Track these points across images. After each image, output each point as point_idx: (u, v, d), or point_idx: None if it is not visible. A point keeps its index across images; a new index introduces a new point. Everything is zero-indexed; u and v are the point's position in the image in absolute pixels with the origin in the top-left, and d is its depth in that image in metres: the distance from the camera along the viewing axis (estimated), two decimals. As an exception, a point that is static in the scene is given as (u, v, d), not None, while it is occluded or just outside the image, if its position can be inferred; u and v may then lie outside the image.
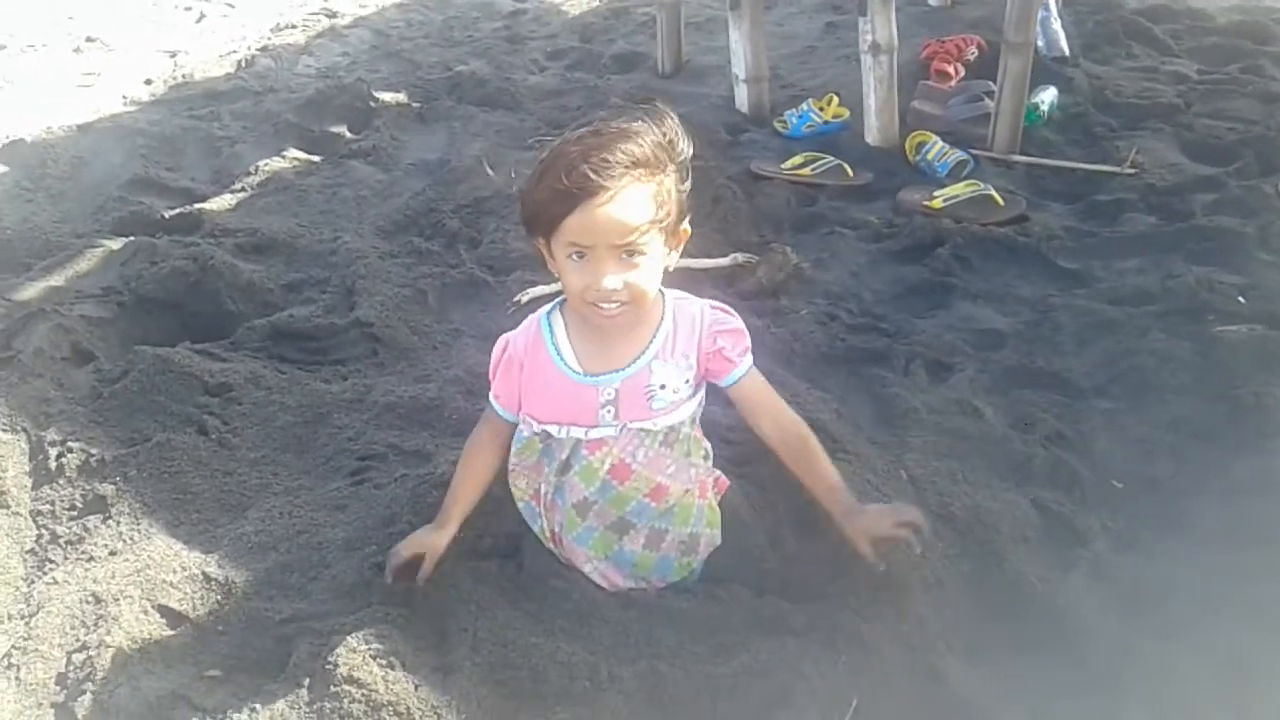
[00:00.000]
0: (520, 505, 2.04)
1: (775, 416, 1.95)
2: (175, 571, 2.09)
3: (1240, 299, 2.76)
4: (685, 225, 1.78)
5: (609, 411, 1.82)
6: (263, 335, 2.85)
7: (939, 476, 2.26)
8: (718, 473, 2.06)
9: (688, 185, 1.76)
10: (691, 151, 1.78)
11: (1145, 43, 4.31)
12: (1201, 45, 4.29)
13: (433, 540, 1.93)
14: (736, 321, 1.91)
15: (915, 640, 1.90)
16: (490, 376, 1.93)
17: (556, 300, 1.88)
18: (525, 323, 1.89)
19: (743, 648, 1.87)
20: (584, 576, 1.98)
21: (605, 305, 1.70)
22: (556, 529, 1.97)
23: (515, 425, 1.95)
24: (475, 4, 5.44)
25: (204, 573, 2.09)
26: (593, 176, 1.59)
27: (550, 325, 1.84)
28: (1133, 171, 3.40)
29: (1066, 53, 4.14)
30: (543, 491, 1.96)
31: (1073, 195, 3.38)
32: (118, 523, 2.24)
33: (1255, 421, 2.32)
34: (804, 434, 1.95)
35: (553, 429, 1.85)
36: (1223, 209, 3.16)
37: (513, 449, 1.98)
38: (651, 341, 1.81)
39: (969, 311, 2.86)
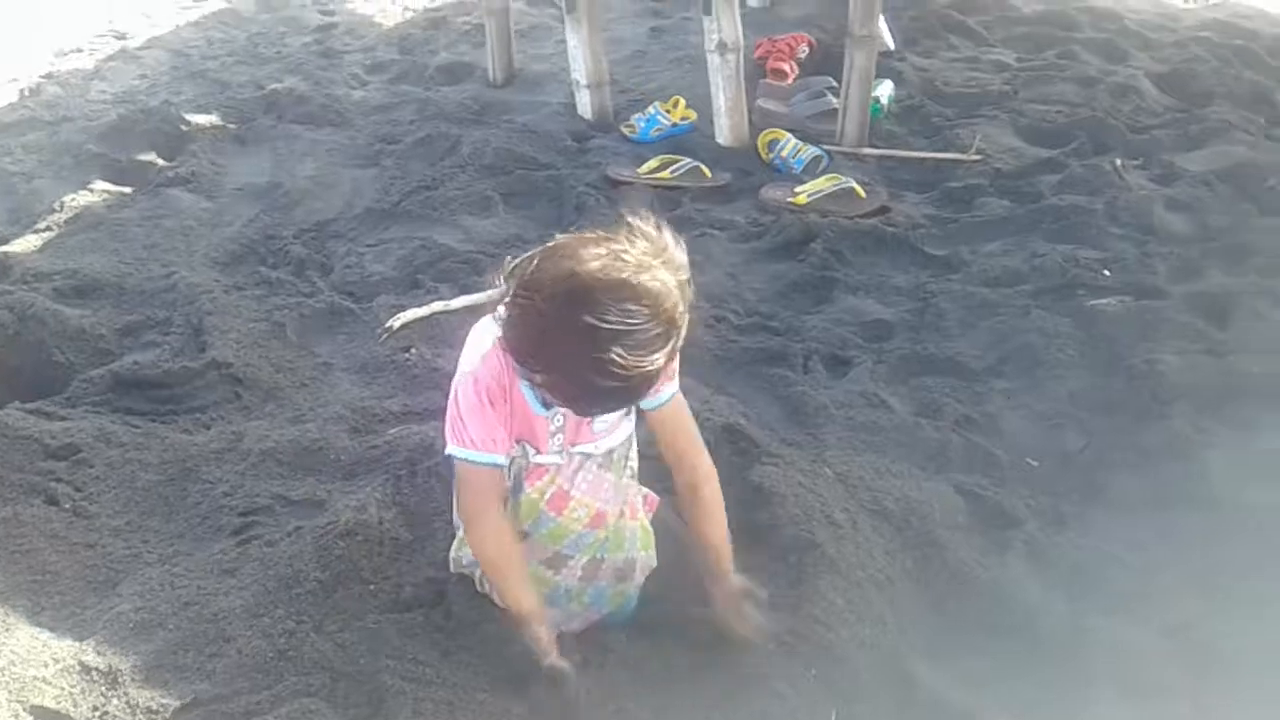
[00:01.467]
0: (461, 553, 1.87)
1: (691, 450, 1.83)
2: (46, 665, 1.81)
3: (1105, 273, 2.86)
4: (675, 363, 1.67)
5: (557, 440, 1.70)
6: (103, 387, 2.54)
7: (864, 471, 2.23)
8: (645, 490, 1.95)
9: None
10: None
11: (961, 35, 4.48)
12: (1014, 34, 4.49)
13: (539, 640, 1.73)
14: None
15: (878, 642, 1.85)
16: (461, 427, 1.64)
17: (495, 318, 1.62)
18: (485, 357, 1.64)
19: (708, 677, 1.77)
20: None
21: None
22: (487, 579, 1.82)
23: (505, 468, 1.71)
24: (279, 19, 5.12)
25: (80, 662, 1.82)
26: (639, 387, 1.47)
27: None
28: (978, 158, 3.50)
29: (892, 47, 4.24)
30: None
31: (926, 184, 3.44)
32: (-35, 617, 1.93)
33: (1151, 388, 2.40)
34: (711, 475, 1.84)
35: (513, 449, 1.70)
36: (1069, 188, 3.29)
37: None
38: None
39: (852, 304, 2.86)
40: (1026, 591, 1.98)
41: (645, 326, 1.42)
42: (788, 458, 2.22)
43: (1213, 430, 2.27)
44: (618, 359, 1.39)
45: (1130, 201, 3.17)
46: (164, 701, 1.76)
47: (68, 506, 2.17)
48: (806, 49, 4.22)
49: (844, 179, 3.31)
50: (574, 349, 1.41)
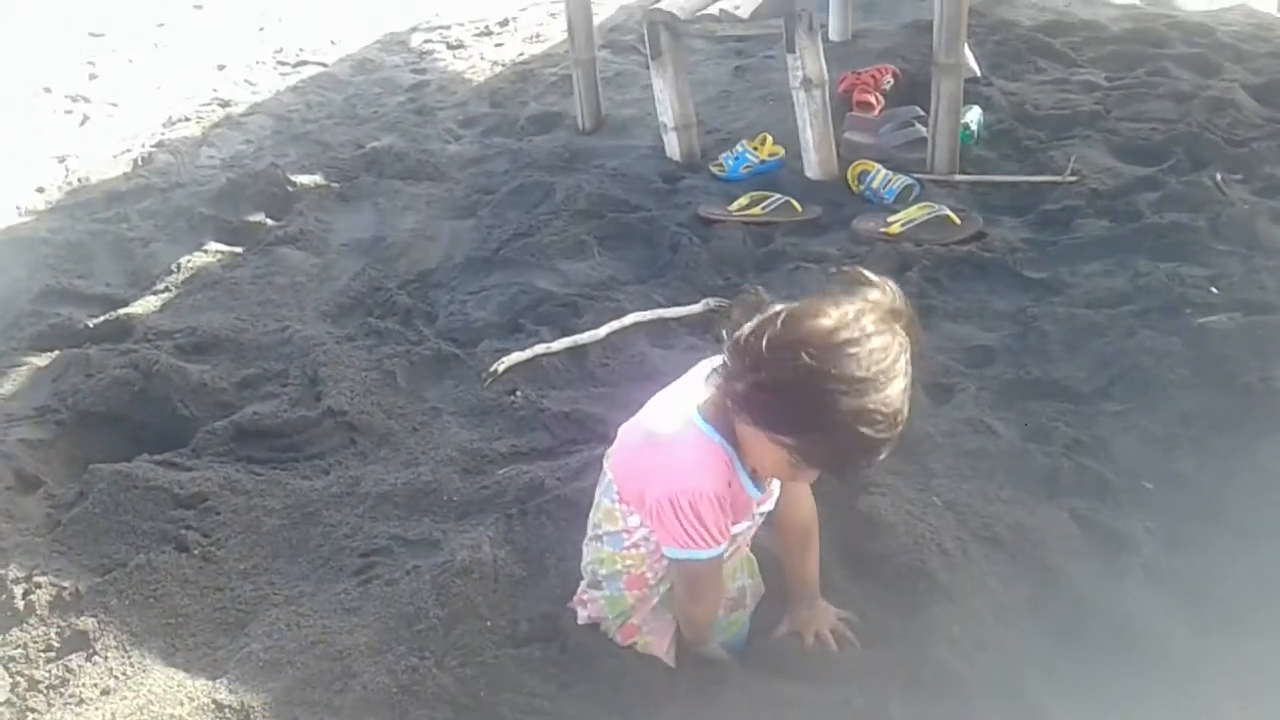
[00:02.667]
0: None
1: (804, 498, 1.88)
2: (182, 704, 1.90)
3: (1213, 289, 2.80)
4: None
5: (761, 509, 1.78)
6: (226, 437, 2.65)
7: (973, 498, 2.21)
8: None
9: None
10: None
11: (1049, 57, 4.44)
12: (1103, 54, 4.43)
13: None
14: None
15: (999, 672, 1.83)
16: (697, 536, 1.62)
17: (700, 416, 1.62)
18: (704, 459, 1.61)
19: (823, 706, 1.77)
20: (631, 652, 1.87)
21: None
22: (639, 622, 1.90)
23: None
24: (374, 80, 5.31)
25: (214, 700, 1.90)
26: (896, 435, 1.48)
27: (730, 450, 1.62)
28: (1074, 179, 3.46)
29: (978, 73, 4.22)
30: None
31: (1021, 208, 3.41)
32: (105, 658, 2.03)
33: (1268, 406, 2.33)
34: (814, 519, 1.91)
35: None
36: (1169, 206, 3.23)
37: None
38: None
39: (952, 330, 2.84)
40: (1148, 616, 1.93)
41: (897, 373, 1.44)
42: (895, 487, 2.22)
43: (1339, 446, 2.20)
44: (883, 408, 1.41)
45: (1233, 216, 3.09)
46: (296, 736, 1.83)
47: (197, 552, 2.26)
48: (891, 80, 4.23)
49: (937, 206, 3.30)
50: (840, 403, 1.39)
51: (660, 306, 3.02)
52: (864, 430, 1.41)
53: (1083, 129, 3.79)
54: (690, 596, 1.78)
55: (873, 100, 4.04)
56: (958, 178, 3.55)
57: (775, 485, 1.77)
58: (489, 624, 2.01)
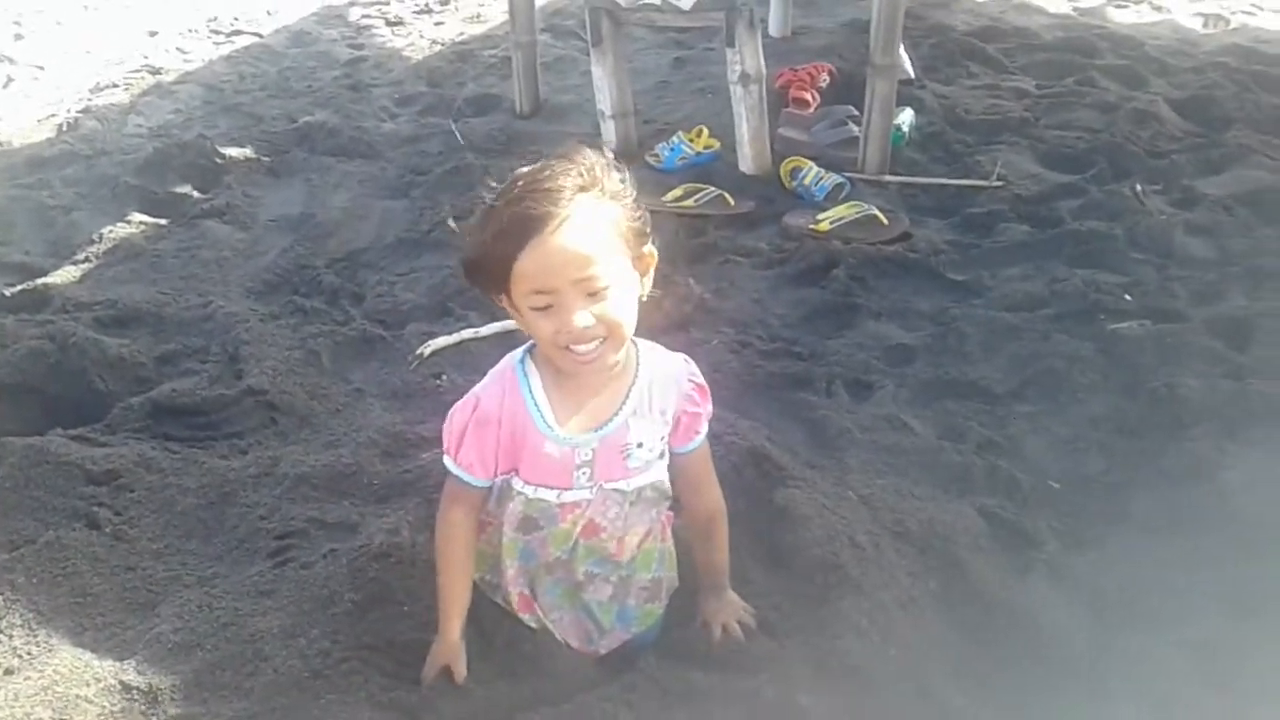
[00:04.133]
0: (476, 577, 1.90)
1: (708, 489, 1.88)
2: (88, 684, 1.86)
3: (1126, 297, 2.88)
4: (649, 248, 1.62)
5: (584, 473, 1.69)
6: (143, 414, 2.61)
7: (886, 494, 2.26)
8: (669, 512, 1.98)
9: (637, 203, 1.59)
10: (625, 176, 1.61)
11: (981, 62, 4.52)
12: (1034, 61, 4.52)
13: (446, 650, 1.79)
14: (703, 383, 1.80)
15: (904, 663, 1.87)
16: (451, 443, 1.69)
17: (524, 350, 1.70)
18: (492, 379, 1.68)
19: (734, 696, 1.80)
20: (550, 639, 1.87)
21: (580, 348, 1.52)
22: (525, 590, 1.84)
23: (487, 492, 1.74)
24: (310, 54, 5.23)
25: (121, 682, 1.87)
26: (539, 205, 1.45)
27: (527, 377, 1.65)
28: (999, 184, 3.53)
29: (912, 75, 4.28)
30: (503, 561, 1.82)
31: (947, 210, 3.48)
32: (10, 636, 1.98)
33: (1172, 412, 2.42)
34: (722, 510, 1.90)
35: (524, 486, 1.70)
36: (1089, 213, 3.31)
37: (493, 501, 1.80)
38: (629, 396, 1.67)
39: (875, 329, 2.89)
40: (1050, 612, 2.00)
41: (542, 175, 1.50)
42: (811, 480, 2.25)
43: (1234, 452, 2.28)
44: (513, 193, 1.48)
45: (1150, 226, 3.19)
46: (203, 719, 1.81)
47: (108, 530, 2.23)
48: (827, 78, 4.27)
49: (866, 206, 3.35)
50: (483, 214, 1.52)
51: (590, 295, 3.02)
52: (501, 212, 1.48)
53: (1011, 135, 3.87)
54: (440, 509, 1.78)
55: (808, 98, 4.08)
56: (887, 178, 3.61)
57: (637, 463, 1.72)
58: (405, 609, 1.99)
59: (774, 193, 3.65)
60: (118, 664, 1.91)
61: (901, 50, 4.28)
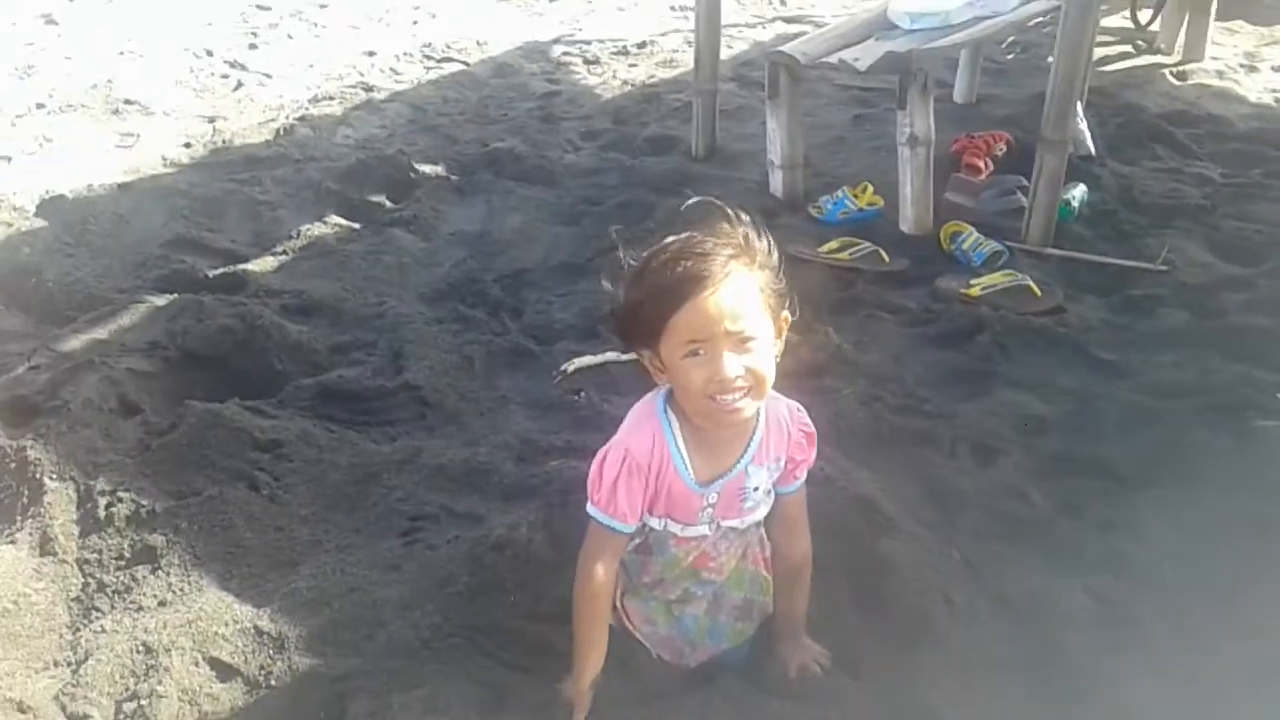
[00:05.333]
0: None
1: (801, 536, 1.95)
2: (227, 624, 2.09)
3: (1278, 395, 2.79)
4: (786, 313, 1.72)
5: (707, 513, 1.80)
6: (311, 394, 2.87)
7: (991, 559, 2.28)
8: (766, 541, 2.06)
9: (780, 270, 1.70)
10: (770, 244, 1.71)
11: (1169, 145, 4.42)
12: (1223, 150, 4.39)
13: (576, 695, 1.85)
14: (812, 431, 1.88)
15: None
16: (602, 494, 1.74)
17: (662, 398, 1.77)
18: (639, 426, 1.76)
19: (802, 717, 1.87)
20: (641, 648, 1.97)
21: (725, 398, 1.61)
22: (620, 602, 1.95)
23: (633, 537, 1.82)
24: (509, 85, 5.55)
25: (256, 626, 2.09)
26: (698, 268, 1.57)
27: (670, 426, 1.74)
28: (1165, 269, 3.47)
29: (1093, 152, 4.23)
30: None
31: (1107, 289, 3.43)
32: (167, 574, 2.24)
33: (1303, 513, 2.34)
34: (809, 558, 1.97)
35: (653, 520, 1.81)
36: (1255, 308, 3.21)
37: None
38: (749, 445, 1.77)
39: (1010, 397, 2.88)
40: (1141, 695, 1.98)
41: (697, 240, 1.62)
42: (917, 535, 2.30)
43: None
44: (671, 253, 1.60)
45: (1318, 328, 3.08)
46: (320, 670, 2.01)
47: (265, 493, 2.47)
48: (1004, 147, 4.27)
49: (1020, 276, 3.35)
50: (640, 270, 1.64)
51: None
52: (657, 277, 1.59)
53: (1186, 221, 3.78)
54: (582, 555, 1.80)
55: (981, 165, 4.10)
56: (1049, 251, 3.59)
57: (751, 503, 1.82)
58: (512, 598, 2.15)
59: (931, 254, 3.67)
60: (255, 610, 2.13)
61: (1084, 126, 4.27)
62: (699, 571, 1.88)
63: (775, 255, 1.69)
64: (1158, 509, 2.45)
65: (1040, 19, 4.48)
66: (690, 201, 1.78)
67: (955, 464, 2.62)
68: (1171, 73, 5.33)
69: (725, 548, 1.87)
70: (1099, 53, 5.44)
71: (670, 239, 1.64)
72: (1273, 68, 5.42)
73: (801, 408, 1.87)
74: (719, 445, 1.76)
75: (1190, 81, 5.24)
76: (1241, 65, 5.43)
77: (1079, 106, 4.34)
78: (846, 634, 2.07)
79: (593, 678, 1.85)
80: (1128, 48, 5.64)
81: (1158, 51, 5.59)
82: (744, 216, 1.68)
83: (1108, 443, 2.69)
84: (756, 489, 1.80)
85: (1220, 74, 5.30)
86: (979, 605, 2.14)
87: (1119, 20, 5.75)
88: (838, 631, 2.07)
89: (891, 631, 2.08)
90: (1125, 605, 2.18)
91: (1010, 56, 5.53)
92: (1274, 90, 5.12)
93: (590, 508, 1.76)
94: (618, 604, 1.94)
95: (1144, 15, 5.65)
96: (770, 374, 1.65)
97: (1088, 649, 2.07)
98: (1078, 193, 3.85)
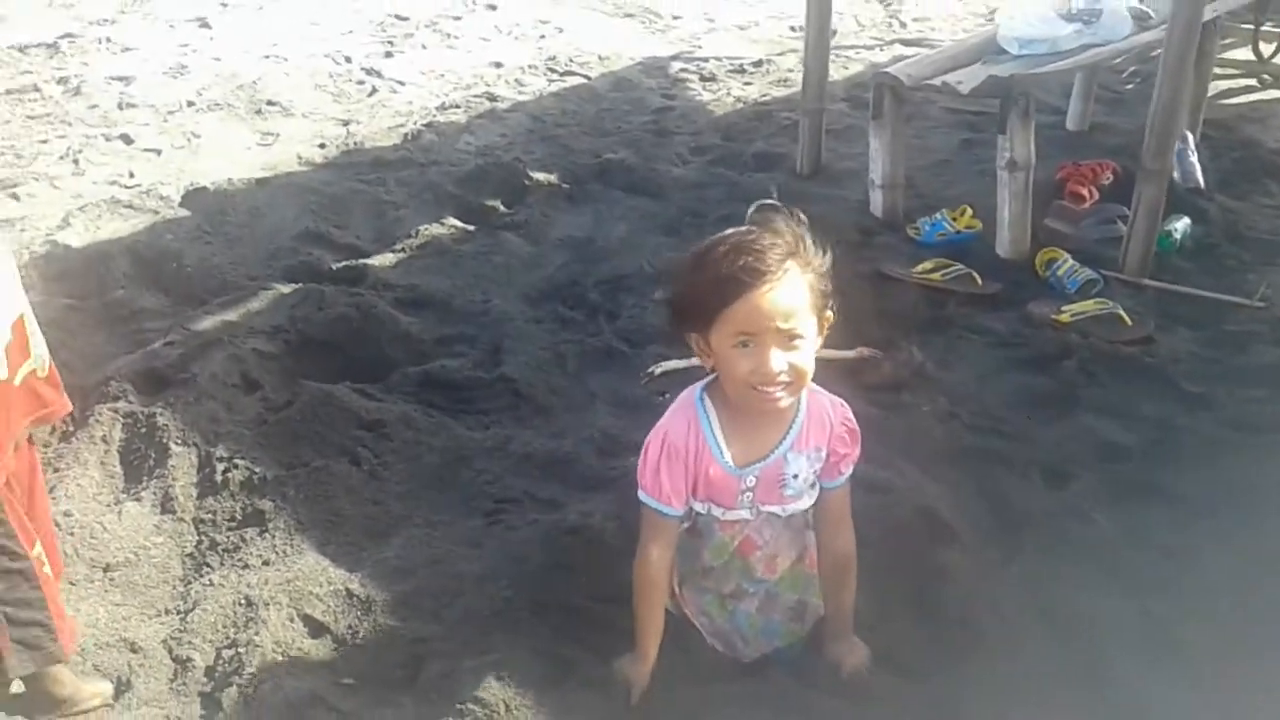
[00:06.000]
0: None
1: (844, 532, 2.01)
2: (321, 585, 2.28)
3: (1363, 436, 2.76)
4: (829, 313, 1.81)
5: (747, 497, 1.90)
6: (415, 381, 3.07)
7: (1049, 577, 2.33)
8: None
9: (828, 273, 1.79)
10: (822, 248, 1.80)
11: (1282, 182, 4.35)
12: (1340, 188, 4.30)
13: (637, 669, 1.97)
14: (855, 427, 1.96)
15: (1021, 726, 1.97)
16: (646, 478, 1.87)
17: (700, 387, 1.90)
18: (676, 414, 1.88)
19: (845, 714, 1.96)
20: (698, 635, 2.09)
21: (769, 389, 1.73)
22: (676, 588, 2.07)
23: (680, 523, 1.93)
24: (626, 99, 5.72)
25: (347, 589, 2.28)
26: (756, 264, 1.67)
27: (706, 414, 1.85)
28: (1263, 305, 3.43)
29: (1202, 185, 4.18)
30: None
31: (1200, 322, 3.41)
32: (272, 537, 2.45)
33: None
34: (853, 557, 2.02)
35: (696, 504, 1.92)
36: (1352, 349, 3.17)
37: None
38: (788, 432, 1.87)
39: (1090, 424, 2.91)
40: (1175, 712, 2.02)
41: (756, 236, 1.71)
42: (976, 550, 2.36)
43: None
44: (730, 246, 1.71)
45: None
46: (401, 632, 2.18)
47: (366, 469, 2.67)
48: (1111, 176, 4.25)
49: (1111, 304, 3.35)
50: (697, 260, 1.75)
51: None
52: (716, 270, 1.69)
53: (1291, 259, 3.73)
54: (640, 542, 1.93)
55: (1085, 193, 4.09)
56: (1145, 281, 3.58)
57: (792, 491, 1.90)
58: (583, 580, 2.30)
59: (1026, 279, 3.69)
60: (348, 574, 2.32)
61: (1194, 158, 4.23)
62: (748, 561, 1.98)
63: (826, 258, 1.78)
64: (1222, 540, 2.46)
65: (1157, 49, 4.44)
66: (756, 205, 1.87)
67: (1026, 484, 2.67)
68: (1296, 108, 5.21)
69: (771, 536, 1.96)
70: (1220, 85, 5.35)
71: (730, 231, 1.75)
72: (1399, 106, 5.25)
73: (845, 403, 1.96)
74: (757, 431, 1.86)
75: (1314, 117, 5.11)
76: (1369, 102, 5.27)
77: (1191, 139, 4.30)
78: (896, 638, 2.15)
79: (650, 658, 1.97)
80: (1252, 81, 5.52)
81: (1284, 85, 5.47)
82: (801, 218, 1.78)
83: (1183, 473, 2.70)
84: (796, 476, 1.89)
85: (1346, 111, 5.16)
86: (1030, 619, 2.20)
87: (1244, 53, 5.62)
88: (888, 634, 2.15)
89: (941, 638, 2.15)
90: (1177, 629, 2.21)
91: (1129, 86, 5.45)
92: (1399, 130, 4.96)
93: (640, 493, 1.89)
94: (676, 590, 2.06)
95: (1267, 49, 5.52)
96: (810, 370, 1.76)
97: (1134, 669, 2.12)
98: (1180, 225, 3.82)
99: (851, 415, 1.95)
